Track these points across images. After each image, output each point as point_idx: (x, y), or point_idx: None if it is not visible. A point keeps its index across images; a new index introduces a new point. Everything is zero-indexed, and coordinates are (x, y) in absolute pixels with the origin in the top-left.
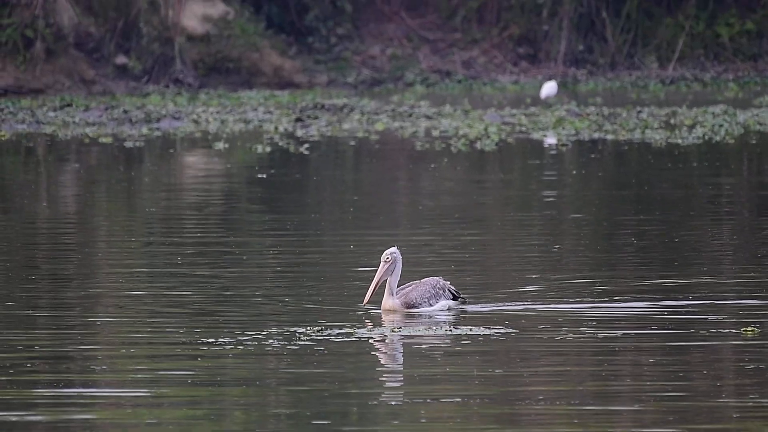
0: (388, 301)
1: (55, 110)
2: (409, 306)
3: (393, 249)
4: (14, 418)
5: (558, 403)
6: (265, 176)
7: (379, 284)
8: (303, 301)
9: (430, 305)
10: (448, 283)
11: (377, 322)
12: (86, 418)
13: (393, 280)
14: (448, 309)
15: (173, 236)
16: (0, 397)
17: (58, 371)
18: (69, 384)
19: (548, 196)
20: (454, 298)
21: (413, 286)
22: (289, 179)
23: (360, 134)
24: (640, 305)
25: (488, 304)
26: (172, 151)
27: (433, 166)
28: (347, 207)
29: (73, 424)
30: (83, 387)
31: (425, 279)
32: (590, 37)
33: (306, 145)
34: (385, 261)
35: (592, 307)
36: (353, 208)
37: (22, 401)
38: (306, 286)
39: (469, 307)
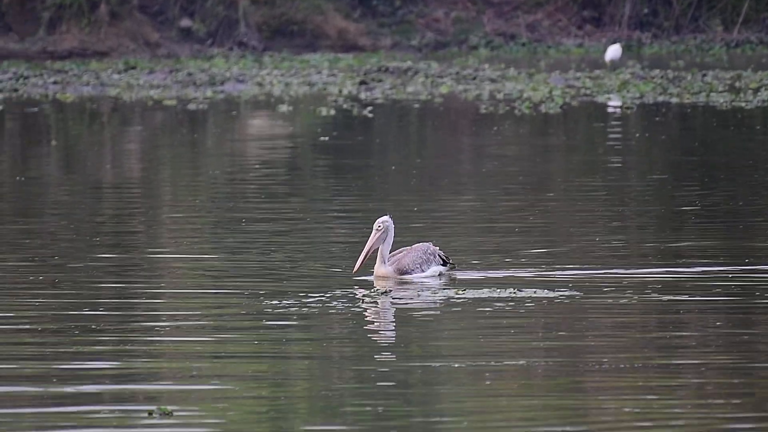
0: (381, 269)
1: (119, 73)
2: (402, 272)
3: (385, 217)
4: (80, 388)
5: (622, 367)
6: (327, 139)
7: (370, 252)
8: (367, 264)
9: (422, 271)
10: (438, 248)
11: (441, 284)
12: (151, 388)
13: (385, 248)
14: (440, 275)
15: (237, 199)
16: (65, 368)
17: (123, 338)
18: (133, 354)
19: (612, 161)
20: (444, 264)
21: (404, 252)
22: (352, 142)
23: (424, 97)
24: (705, 269)
25: (551, 269)
26: (234, 113)
27: (495, 129)
28: (411, 170)
29: (137, 394)
30: (147, 357)
31: (416, 245)
32: (655, 0)
33: (369, 108)
34: (377, 229)
35: (656, 271)
36: (416, 171)
37: (87, 373)
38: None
39: (534, 272)
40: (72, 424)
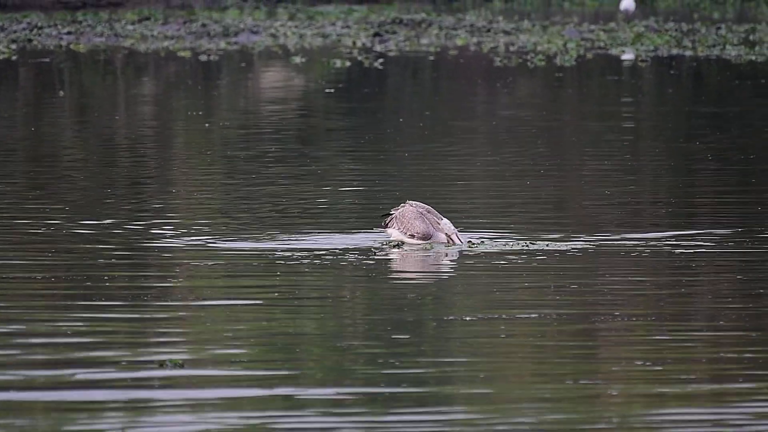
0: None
1: (133, 24)
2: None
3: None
4: (93, 338)
5: (634, 320)
6: (333, 91)
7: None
8: (377, 216)
9: None
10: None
11: (454, 237)
12: (164, 341)
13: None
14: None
15: (250, 150)
16: (78, 320)
17: (136, 293)
18: (145, 309)
19: (625, 115)
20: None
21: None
22: (360, 95)
23: (437, 49)
24: (719, 225)
25: (563, 225)
26: (243, 65)
27: (508, 80)
28: (418, 124)
29: (149, 330)
30: (161, 312)
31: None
32: None
33: (380, 60)
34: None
35: (669, 227)
36: (423, 124)
37: (100, 326)
38: (378, 198)
39: (546, 227)
40: (84, 368)
